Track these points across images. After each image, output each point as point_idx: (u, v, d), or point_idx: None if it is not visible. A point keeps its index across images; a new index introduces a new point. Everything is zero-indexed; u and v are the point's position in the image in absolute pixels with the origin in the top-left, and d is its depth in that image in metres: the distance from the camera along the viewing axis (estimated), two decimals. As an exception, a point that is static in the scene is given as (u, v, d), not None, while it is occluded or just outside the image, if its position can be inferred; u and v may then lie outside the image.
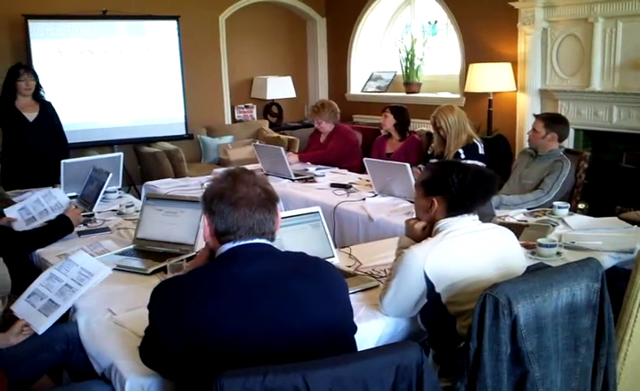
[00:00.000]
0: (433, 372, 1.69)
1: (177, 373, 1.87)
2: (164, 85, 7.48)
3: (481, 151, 4.71)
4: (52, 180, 5.16)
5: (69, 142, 6.72)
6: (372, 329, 2.41)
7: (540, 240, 3.07)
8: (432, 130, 4.94)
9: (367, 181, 4.76)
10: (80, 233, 3.69)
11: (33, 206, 3.85)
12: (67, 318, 2.68)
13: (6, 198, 4.10)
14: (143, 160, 7.40)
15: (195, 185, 5.07)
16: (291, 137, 7.85)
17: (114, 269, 2.96)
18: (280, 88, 8.52)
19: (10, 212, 3.73)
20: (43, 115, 5.51)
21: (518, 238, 2.62)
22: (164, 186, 5.13)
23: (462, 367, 2.03)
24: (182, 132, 7.61)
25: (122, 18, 7.31)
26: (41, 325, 2.53)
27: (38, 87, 5.53)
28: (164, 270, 2.94)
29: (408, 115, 5.61)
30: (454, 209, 2.38)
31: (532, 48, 6.20)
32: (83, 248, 3.32)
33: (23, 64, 5.51)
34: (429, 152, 5.02)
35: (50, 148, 5.52)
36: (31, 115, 5.43)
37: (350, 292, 2.07)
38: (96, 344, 2.38)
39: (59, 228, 3.57)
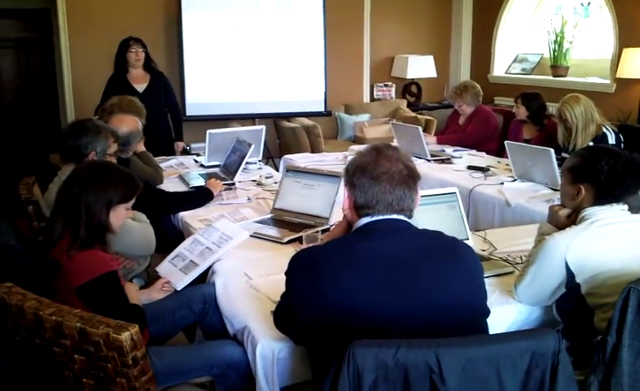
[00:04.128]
0: (569, 363, 1.63)
1: (308, 340, 1.92)
2: (307, 61, 7.56)
3: (612, 140, 4.41)
4: (164, 151, 5.32)
5: (213, 113, 7.03)
6: (504, 315, 2.37)
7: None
8: (558, 122, 4.66)
9: (506, 165, 4.64)
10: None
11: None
12: (206, 280, 2.82)
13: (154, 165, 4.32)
14: (282, 134, 7.58)
15: (331, 160, 5.14)
16: (429, 117, 7.76)
17: (252, 236, 3.09)
18: (421, 67, 8.42)
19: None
20: (154, 86, 5.56)
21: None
22: (302, 160, 5.22)
23: (598, 362, 1.97)
24: (321, 108, 7.69)
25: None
26: (180, 282, 2.70)
27: (149, 58, 5.60)
28: (299, 240, 3.02)
29: (542, 100, 5.32)
30: (603, 198, 2.29)
31: (696, 32, 5.77)
32: (224, 215, 3.47)
33: (133, 36, 5.57)
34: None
35: (162, 119, 5.61)
36: (141, 86, 5.49)
37: (484, 276, 2.03)
38: (231, 305, 2.48)
39: (200, 195, 3.77)
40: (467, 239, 2.91)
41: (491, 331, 1.96)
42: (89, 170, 2.51)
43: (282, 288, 1.97)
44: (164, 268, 2.83)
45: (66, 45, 6.88)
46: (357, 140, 7.60)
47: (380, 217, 1.90)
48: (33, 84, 8.09)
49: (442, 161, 5.07)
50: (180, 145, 5.81)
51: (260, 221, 3.37)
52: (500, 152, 5.32)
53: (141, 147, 4.28)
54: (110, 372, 1.92)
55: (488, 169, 4.65)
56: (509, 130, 5.57)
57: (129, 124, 3.78)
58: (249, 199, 3.91)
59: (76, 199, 2.38)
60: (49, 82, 7.74)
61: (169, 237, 3.55)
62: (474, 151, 5.41)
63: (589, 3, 7.54)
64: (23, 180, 3.62)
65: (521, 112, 5.36)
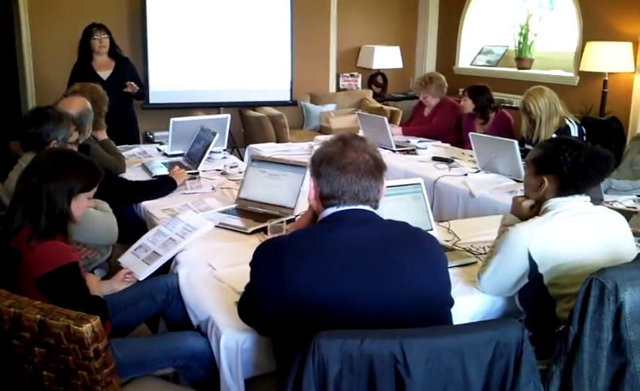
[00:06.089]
0: (532, 353, 1.65)
1: (273, 330, 1.91)
2: (273, 50, 7.52)
3: (574, 133, 4.45)
4: (128, 139, 5.26)
5: (177, 102, 6.97)
6: (467, 305, 2.39)
7: (651, 228, 2.93)
8: (522, 114, 4.68)
9: (470, 156, 4.68)
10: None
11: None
12: (169, 271, 2.79)
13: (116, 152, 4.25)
14: (247, 123, 7.53)
15: (296, 150, 5.13)
16: (395, 108, 7.78)
17: (216, 226, 3.06)
18: (387, 58, 8.43)
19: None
20: (118, 72, 5.50)
21: (626, 225, 2.52)
22: (267, 149, 5.20)
23: (559, 351, 2.00)
24: (287, 98, 7.66)
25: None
26: (143, 272, 2.67)
27: (113, 44, 5.53)
28: (263, 230, 3.00)
29: (489, 94, 5.43)
30: (565, 189, 2.31)
31: (657, 27, 5.86)
32: (188, 205, 3.44)
33: (96, 23, 5.50)
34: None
35: (126, 107, 5.55)
36: (105, 73, 5.43)
37: (448, 266, 2.04)
38: (195, 296, 2.46)
39: (164, 185, 3.73)
40: (432, 229, 2.92)
41: (455, 322, 1.97)
42: (51, 159, 2.46)
43: (247, 279, 1.95)
44: (127, 259, 2.79)
45: (27, 29, 6.74)
46: (322, 130, 7.59)
47: (346, 208, 1.89)
48: (-8, 69, 7.90)
49: (407, 152, 5.09)
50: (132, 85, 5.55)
51: (224, 211, 3.35)
52: (458, 144, 5.37)
53: (103, 135, 4.22)
54: (71, 365, 1.88)
55: (453, 160, 4.69)
56: (463, 124, 5.60)
57: (77, 105, 3.67)
58: (213, 188, 3.87)
59: (37, 189, 2.33)
60: (9, 68, 7.56)
61: (132, 227, 3.51)
62: (439, 143, 5.44)
63: (554, -4, 7.63)
64: (-19, 168, 3.54)
65: (467, 105, 5.43)
